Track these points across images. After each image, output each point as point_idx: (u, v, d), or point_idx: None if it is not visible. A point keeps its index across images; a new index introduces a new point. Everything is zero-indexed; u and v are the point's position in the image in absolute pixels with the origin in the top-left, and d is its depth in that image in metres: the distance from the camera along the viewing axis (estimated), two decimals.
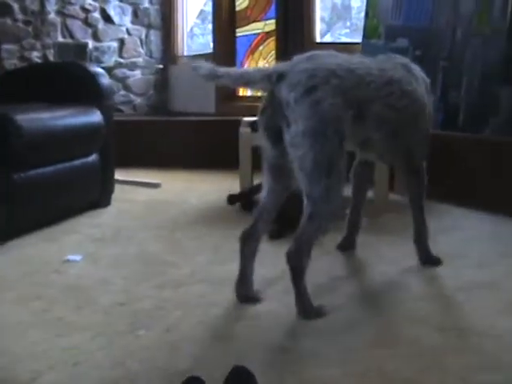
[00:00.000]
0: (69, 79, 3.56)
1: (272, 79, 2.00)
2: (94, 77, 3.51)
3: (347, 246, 2.69)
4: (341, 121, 2.00)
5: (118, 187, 3.72)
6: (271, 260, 2.45)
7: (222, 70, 2.05)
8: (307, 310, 2.01)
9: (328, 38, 5.12)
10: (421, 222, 2.53)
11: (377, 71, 2.21)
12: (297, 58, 2.11)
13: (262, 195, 2.17)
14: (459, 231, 2.96)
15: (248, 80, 2.09)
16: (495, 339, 1.81)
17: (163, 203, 3.65)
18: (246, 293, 2.15)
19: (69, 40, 5.53)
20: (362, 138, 2.22)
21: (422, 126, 2.45)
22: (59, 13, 5.50)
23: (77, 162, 3.27)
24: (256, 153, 3.67)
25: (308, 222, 1.99)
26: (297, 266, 2.00)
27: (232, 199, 3.42)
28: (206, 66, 2.06)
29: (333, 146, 1.98)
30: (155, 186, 4.08)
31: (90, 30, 5.68)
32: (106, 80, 3.58)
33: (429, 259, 2.49)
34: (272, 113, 2.03)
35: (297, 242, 2.00)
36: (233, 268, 2.21)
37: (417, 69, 2.46)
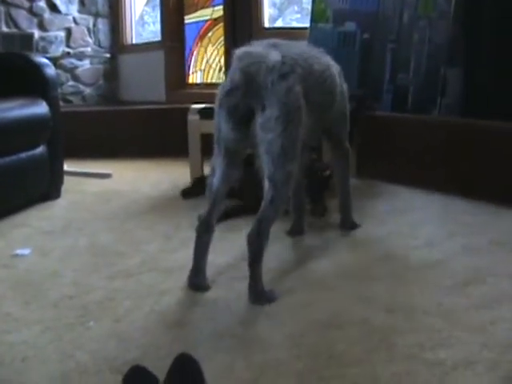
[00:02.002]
0: (13, 70, 3.48)
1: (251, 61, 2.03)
2: (38, 67, 3.45)
3: (296, 232, 2.71)
4: (302, 109, 2.06)
5: (68, 179, 3.67)
6: (220, 246, 2.46)
7: None
8: (259, 294, 2.02)
9: (279, 23, 5.11)
10: (348, 196, 2.74)
11: (318, 60, 2.29)
12: (260, 42, 2.16)
13: (215, 181, 2.15)
14: (409, 212, 2.99)
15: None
16: (443, 317, 1.84)
17: (114, 193, 3.61)
18: (199, 282, 2.14)
19: (14, 30, 5.42)
20: None
21: (343, 110, 2.57)
22: (3, 2, 5.36)
23: (23, 155, 3.21)
24: (205, 140, 3.68)
25: (269, 205, 2.01)
26: (257, 249, 2.01)
27: (186, 193, 3.39)
28: None
29: (298, 133, 2.04)
30: (106, 176, 4.04)
31: (35, 20, 5.56)
32: (51, 70, 3.52)
33: (352, 226, 2.72)
34: (245, 94, 2.02)
35: (258, 224, 2.01)
36: (184, 256, 2.20)
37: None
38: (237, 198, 2.89)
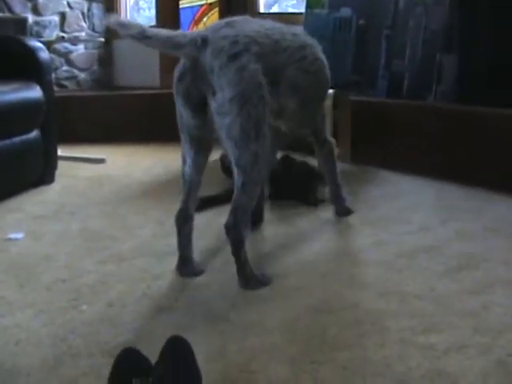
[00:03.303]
0: (7, 54, 3.46)
1: (197, 44, 1.95)
2: (32, 51, 3.43)
3: (255, 219, 2.54)
4: (262, 87, 1.98)
5: (62, 164, 3.66)
6: (210, 231, 2.46)
7: (151, 30, 1.95)
8: (249, 279, 2.01)
9: (275, 9, 5.09)
10: (337, 184, 2.70)
11: (290, 36, 2.21)
12: (216, 24, 2.10)
13: (187, 169, 2.12)
14: (403, 198, 2.99)
15: (175, 44, 1.97)
16: (435, 302, 1.84)
17: (107, 178, 3.60)
18: (189, 270, 2.13)
19: (7, 14, 5.38)
20: (275, 105, 2.13)
21: (324, 95, 2.51)
22: None
23: (17, 139, 3.20)
24: None
25: (241, 191, 1.97)
26: (236, 238, 1.99)
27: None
28: (135, 25, 1.95)
29: (258, 112, 1.95)
30: (100, 161, 4.02)
31: (29, 4, 5.51)
32: (45, 54, 3.50)
33: (347, 212, 2.70)
34: (193, 80, 1.98)
35: (234, 213, 1.98)
36: (176, 241, 2.19)
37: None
38: None
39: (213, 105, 1.94)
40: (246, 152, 1.94)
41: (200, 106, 1.99)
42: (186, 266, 2.14)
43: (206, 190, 2.51)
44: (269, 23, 2.20)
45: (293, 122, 2.40)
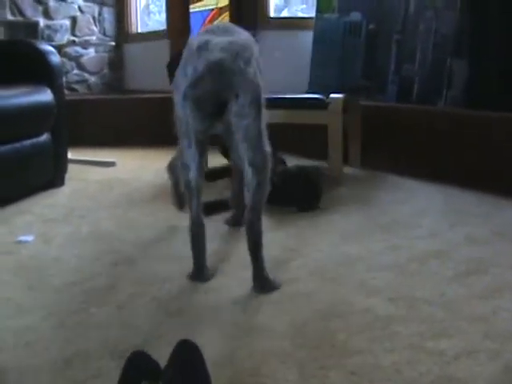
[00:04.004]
0: (18, 58, 3.49)
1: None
2: (43, 55, 3.44)
3: (236, 222, 2.64)
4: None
5: (72, 167, 3.67)
6: (223, 235, 2.47)
7: None
8: (265, 282, 2.02)
9: (285, 14, 5.10)
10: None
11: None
12: (210, 28, 2.20)
13: (192, 176, 2.11)
14: (413, 202, 2.99)
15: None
16: (444, 307, 1.84)
17: (118, 182, 3.61)
18: (203, 277, 2.12)
19: (19, 18, 5.41)
20: None
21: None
22: None
23: (28, 142, 3.21)
24: None
25: (258, 190, 2.02)
26: (257, 236, 2.03)
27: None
28: None
29: (265, 115, 2.04)
30: (110, 164, 4.04)
31: (40, 8, 5.55)
32: (56, 58, 3.52)
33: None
34: (213, 84, 1.99)
35: (254, 212, 2.02)
36: (186, 244, 2.20)
37: None
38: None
39: (234, 108, 1.98)
40: (259, 153, 2.01)
41: (214, 110, 2.02)
42: (201, 274, 2.14)
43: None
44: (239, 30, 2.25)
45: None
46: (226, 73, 1.97)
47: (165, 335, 1.71)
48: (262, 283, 2.01)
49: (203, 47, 2.00)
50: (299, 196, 2.92)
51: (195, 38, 2.10)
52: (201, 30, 2.16)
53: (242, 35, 2.17)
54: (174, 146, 2.75)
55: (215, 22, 2.06)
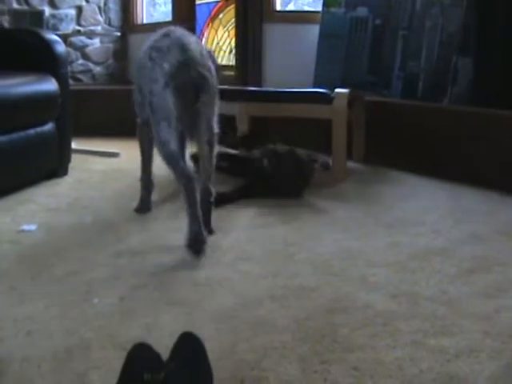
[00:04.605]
0: (23, 46, 3.48)
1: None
2: (48, 44, 3.44)
3: (145, 208, 2.87)
4: None
5: (76, 157, 3.67)
6: (224, 227, 2.47)
7: None
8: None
9: (291, 7, 5.07)
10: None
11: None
12: (165, 31, 2.48)
13: (173, 147, 2.34)
14: (416, 199, 2.99)
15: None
16: (447, 305, 1.84)
17: (121, 172, 3.61)
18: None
19: (24, 7, 5.40)
20: None
21: None
22: None
23: (32, 131, 3.21)
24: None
25: (210, 162, 2.48)
26: (211, 197, 2.46)
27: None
28: None
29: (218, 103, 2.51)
30: (114, 155, 4.03)
31: None
32: (61, 47, 3.51)
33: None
34: (191, 75, 2.35)
35: (209, 172, 2.46)
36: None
37: None
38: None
39: (203, 98, 2.38)
40: (214, 135, 2.48)
41: (192, 97, 2.38)
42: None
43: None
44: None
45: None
46: (200, 66, 2.37)
47: (166, 327, 1.71)
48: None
49: (176, 46, 2.36)
50: (285, 182, 3.00)
51: (159, 40, 2.43)
52: (155, 33, 2.54)
53: (192, 38, 2.50)
54: None
55: (167, 28, 2.44)
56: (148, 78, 2.38)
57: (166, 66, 2.33)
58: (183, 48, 2.36)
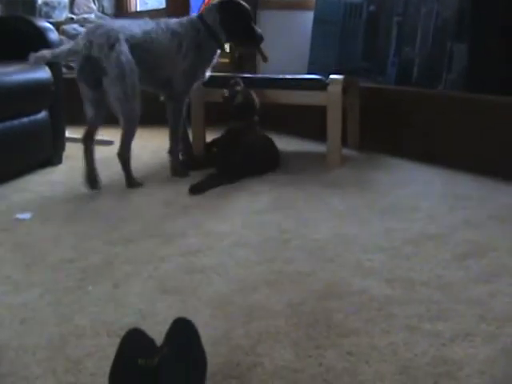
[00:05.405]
0: (15, 34, 3.46)
1: (87, 45, 2.88)
2: (41, 32, 3.43)
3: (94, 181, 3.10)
4: (132, 62, 2.96)
5: (70, 145, 3.66)
6: (218, 214, 2.46)
7: (57, 50, 3.04)
8: (131, 181, 3.03)
9: None
10: (174, 140, 3.35)
11: (142, 28, 3.10)
12: (91, 27, 3.03)
13: (89, 111, 3.06)
14: (411, 185, 2.98)
15: (75, 51, 2.93)
16: (442, 289, 1.84)
17: (115, 160, 3.58)
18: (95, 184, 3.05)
19: None
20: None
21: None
22: None
23: (25, 120, 3.20)
24: (208, 108, 3.66)
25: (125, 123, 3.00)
26: (126, 159, 3.07)
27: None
28: (47, 52, 2.99)
29: (133, 80, 2.96)
30: (108, 143, 4.01)
31: None
32: (54, 35, 3.50)
33: (179, 172, 3.26)
34: (90, 66, 2.89)
35: (123, 142, 3.06)
36: (184, 222, 2.20)
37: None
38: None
39: (105, 82, 2.90)
40: (125, 106, 2.94)
41: (95, 84, 2.93)
42: (94, 181, 3.03)
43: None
44: (128, 21, 3.16)
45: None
46: (95, 59, 2.90)
47: (161, 313, 1.71)
48: (130, 182, 3.05)
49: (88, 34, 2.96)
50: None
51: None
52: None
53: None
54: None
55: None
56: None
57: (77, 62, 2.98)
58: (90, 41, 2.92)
